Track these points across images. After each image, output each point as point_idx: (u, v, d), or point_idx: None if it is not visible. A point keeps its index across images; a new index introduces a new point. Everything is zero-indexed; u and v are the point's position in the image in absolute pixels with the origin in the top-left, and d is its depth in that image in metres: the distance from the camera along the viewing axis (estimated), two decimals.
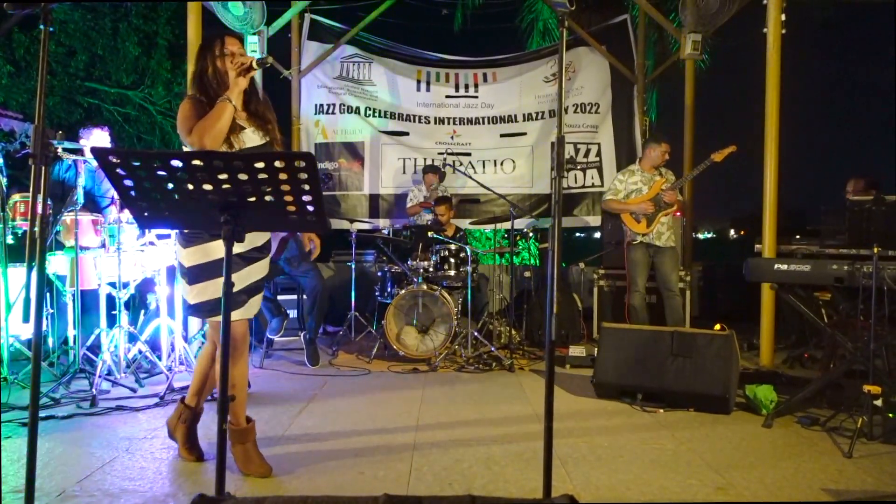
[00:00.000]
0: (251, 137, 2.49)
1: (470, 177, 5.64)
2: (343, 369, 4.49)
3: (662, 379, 3.54)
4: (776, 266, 3.31)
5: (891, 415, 2.95)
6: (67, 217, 3.81)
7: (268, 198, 1.65)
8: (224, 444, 1.74)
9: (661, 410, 3.46)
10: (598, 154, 7.38)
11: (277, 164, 1.55)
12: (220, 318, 2.38)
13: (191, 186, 1.61)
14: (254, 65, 2.39)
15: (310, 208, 1.71)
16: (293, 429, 3.10)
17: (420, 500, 1.22)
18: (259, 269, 2.51)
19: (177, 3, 12.88)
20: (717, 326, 4.97)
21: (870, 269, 2.91)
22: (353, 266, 5.39)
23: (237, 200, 1.66)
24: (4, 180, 3.60)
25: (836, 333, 3.46)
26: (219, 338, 2.40)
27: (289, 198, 1.66)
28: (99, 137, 4.80)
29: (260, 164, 1.55)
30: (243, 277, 2.42)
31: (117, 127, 15.45)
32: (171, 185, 1.61)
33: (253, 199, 1.66)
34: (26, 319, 1.77)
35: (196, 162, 1.54)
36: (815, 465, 2.66)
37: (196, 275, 2.40)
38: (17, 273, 3.83)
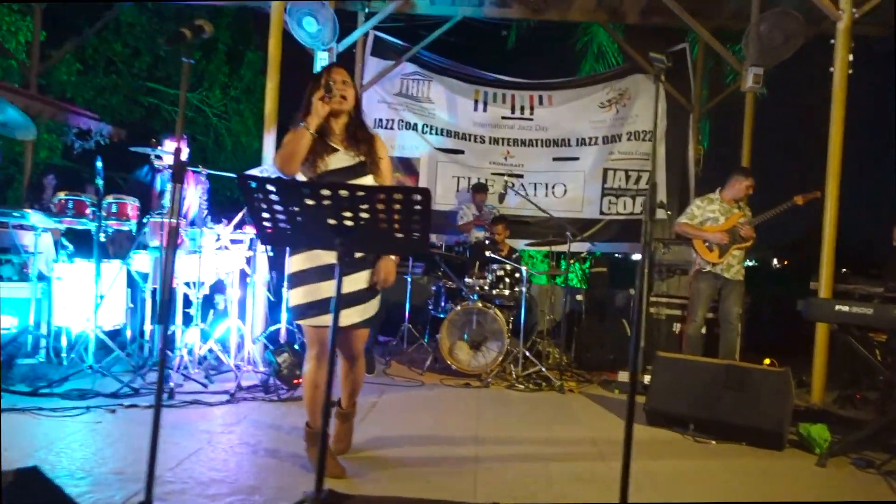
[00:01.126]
0: (341, 158, 2.64)
1: (529, 199, 5.77)
2: (397, 379, 4.65)
3: (715, 410, 3.60)
4: (837, 307, 3.35)
5: None
6: (154, 219, 4.07)
7: (382, 224, 1.82)
8: (326, 445, 1.90)
9: (714, 442, 3.52)
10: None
11: (396, 195, 1.72)
12: (308, 322, 2.61)
13: (315, 212, 1.79)
14: (329, 92, 2.54)
15: (415, 235, 1.87)
16: (359, 436, 3.25)
17: None
18: (355, 281, 2.62)
19: (240, 11, 13.35)
20: (767, 361, 4.99)
21: None
22: (409, 279, 5.57)
23: (353, 225, 1.83)
24: (101, 182, 3.88)
25: (893, 376, 3.48)
26: (315, 346, 2.60)
27: (397, 225, 1.83)
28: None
29: (381, 196, 1.72)
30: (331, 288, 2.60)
31: (173, 126, 16.06)
32: (297, 209, 1.80)
33: (365, 224, 1.83)
34: (155, 321, 1.97)
35: (324, 192, 1.71)
36: None
37: (292, 281, 2.62)
38: (105, 268, 4.10)
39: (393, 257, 2.73)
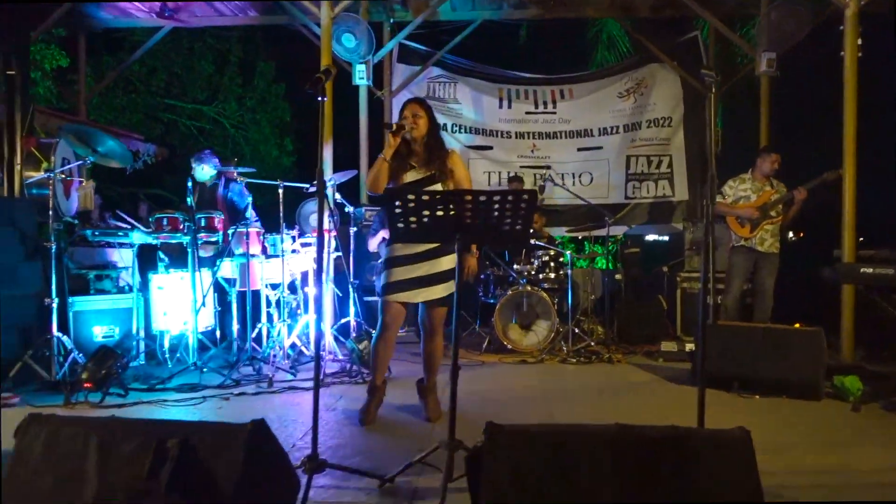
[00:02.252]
0: (413, 174, 3.25)
1: (568, 189, 6.20)
2: (461, 360, 5.08)
3: (757, 369, 4.01)
4: (862, 269, 3.76)
5: None
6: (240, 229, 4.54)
7: (493, 221, 2.27)
8: (455, 400, 2.35)
9: (757, 397, 3.94)
10: (670, 165, 7.84)
11: (510, 197, 2.16)
12: (394, 297, 3.20)
13: (440, 213, 2.24)
14: (394, 129, 3.16)
15: (518, 227, 2.32)
16: (447, 400, 3.70)
17: (643, 429, 1.79)
18: (438, 264, 3.19)
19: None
20: (797, 325, 5.39)
21: None
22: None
23: (470, 223, 2.28)
24: (190, 198, 4.33)
25: None
26: (390, 319, 3.23)
27: (508, 220, 2.27)
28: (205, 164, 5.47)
29: (496, 198, 2.17)
30: (423, 268, 3.19)
31: (191, 140, 16.57)
32: (426, 212, 2.24)
33: (480, 220, 2.27)
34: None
35: (454, 198, 2.16)
36: None
37: (388, 264, 3.24)
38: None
39: (475, 250, 3.20)
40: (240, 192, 5.29)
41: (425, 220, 2.28)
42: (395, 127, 3.16)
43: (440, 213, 2.24)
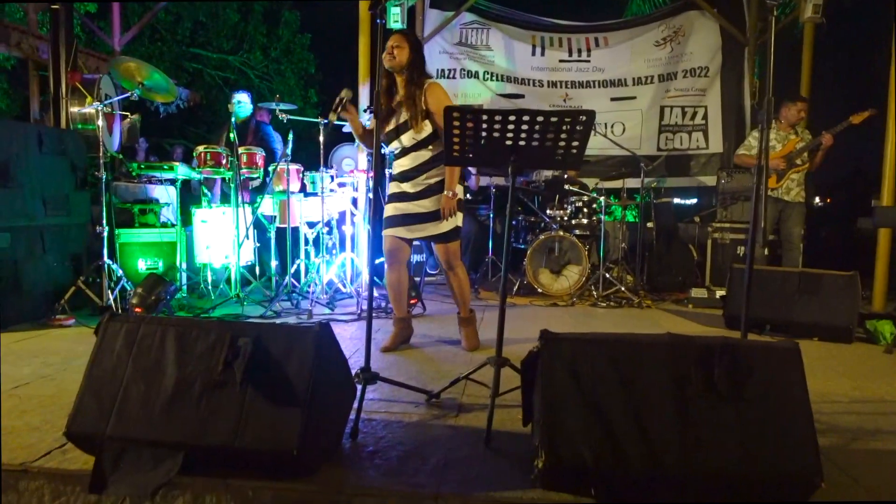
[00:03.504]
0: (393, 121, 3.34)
1: (608, 137, 6.14)
2: (490, 302, 5.20)
3: (789, 312, 4.05)
4: None
5: None
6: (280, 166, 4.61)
7: (548, 143, 2.30)
8: (503, 318, 2.43)
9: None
10: (705, 117, 7.71)
11: (567, 118, 2.19)
12: (384, 233, 3.42)
13: (497, 135, 2.28)
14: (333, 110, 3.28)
15: (573, 150, 2.35)
16: (483, 335, 3.79)
17: (695, 338, 1.86)
18: (421, 206, 3.37)
19: None
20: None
21: None
22: (492, 215, 6.06)
23: (525, 145, 2.32)
24: (233, 135, 4.41)
25: None
26: (387, 254, 3.46)
27: (562, 143, 2.30)
28: (245, 98, 5.60)
29: (553, 119, 2.20)
30: (410, 207, 3.38)
31: (216, 90, 16.57)
32: (484, 134, 2.28)
33: (536, 143, 2.31)
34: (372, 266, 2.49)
35: (512, 118, 2.19)
36: None
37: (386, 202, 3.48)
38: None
39: (450, 194, 3.30)
40: (270, 133, 5.38)
41: (482, 142, 2.33)
42: (332, 113, 3.32)
43: (496, 134, 2.27)
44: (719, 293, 5.08)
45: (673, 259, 5.95)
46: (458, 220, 3.40)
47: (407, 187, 3.39)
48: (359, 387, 2.35)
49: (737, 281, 4.36)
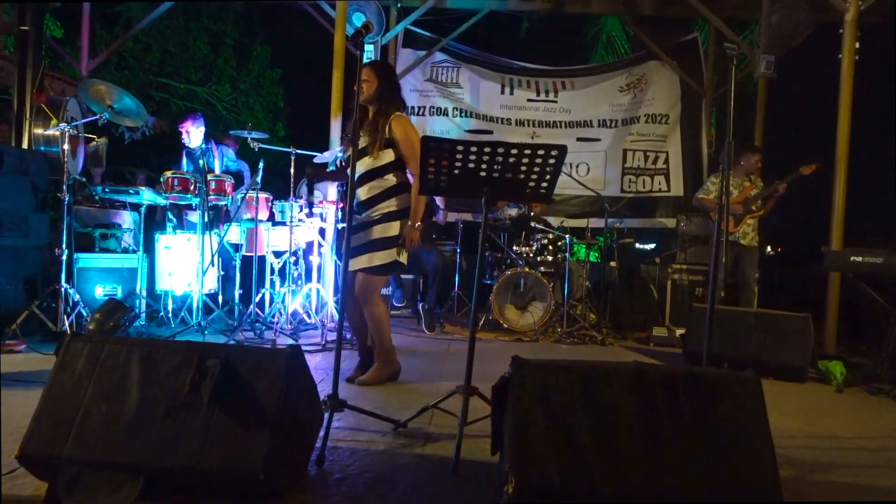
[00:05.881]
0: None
1: (570, 175, 6.30)
2: (456, 336, 5.21)
3: (745, 350, 4.16)
4: (852, 257, 3.92)
5: None
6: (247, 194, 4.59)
7: (520, 175, 2.37)
8: (473, 348, 2.45)
9: None
10: (666, 161, 8.00)
11: (539, 151, 2.26)
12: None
13: (472, 165, 2.33)
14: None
15: (543, 188, 2.42)
16: (447, 370, 3.80)
17: (660, 366, 1.91)
18: (367, 234, 3.31)
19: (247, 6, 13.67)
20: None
21: None
22: (459, 251, 6.11)
23: (498, 177, 2.38)
24: (202, 162, 4.38)
25: None
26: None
27: (534, 176, 2.37)
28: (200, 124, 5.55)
29: (527, 152, 2.27)
30: (357, 238, 3.32)
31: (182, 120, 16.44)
32: (458, 164, 2.34)
33: (509, 175, 2.37)
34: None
35: (487, 150, 2.26)
36: (881, 420, 3.28)
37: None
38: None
39: (417, 225, 3.25)
40: (231, 158, 5.36)
41: (456, 171, 2.38)
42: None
43: (471, 164, 2.33)
44: (679, 332, 5.20)
45: (635, 298, 6.08)
46: (396, 255, 3.26)
47: (362, 217, 3.36)
48: (326, 414, 2.32)
49: (697, 319, 4.48)
